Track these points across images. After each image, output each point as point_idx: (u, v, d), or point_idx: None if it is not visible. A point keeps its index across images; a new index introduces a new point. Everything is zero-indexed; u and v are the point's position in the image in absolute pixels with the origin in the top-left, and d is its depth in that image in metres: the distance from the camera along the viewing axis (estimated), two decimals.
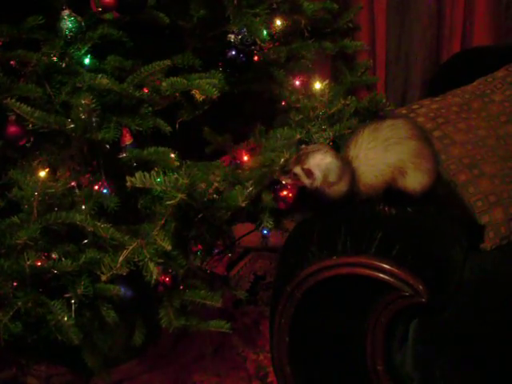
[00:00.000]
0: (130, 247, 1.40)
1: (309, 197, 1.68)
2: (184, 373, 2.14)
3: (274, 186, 1.68)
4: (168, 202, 1.41)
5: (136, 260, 1.40)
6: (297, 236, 1.63)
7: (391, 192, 1.64)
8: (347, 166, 1.62)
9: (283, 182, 1.65)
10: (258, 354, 2.23)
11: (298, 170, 1.60)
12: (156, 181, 1.39)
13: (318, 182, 1.60)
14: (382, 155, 1.62)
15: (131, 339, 1.70)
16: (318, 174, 1.59)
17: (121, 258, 1.39)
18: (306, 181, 1.60)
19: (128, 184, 1.39)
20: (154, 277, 1.39)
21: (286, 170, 1.63)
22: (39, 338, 1.46)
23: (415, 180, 1.63)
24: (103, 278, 1.39)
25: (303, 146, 1.66)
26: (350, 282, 1.48)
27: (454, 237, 1.68)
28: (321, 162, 1.59)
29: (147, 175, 1.39)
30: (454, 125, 1.92)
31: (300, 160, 1.60)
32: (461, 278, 1.58)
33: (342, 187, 1.61)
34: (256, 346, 2.26)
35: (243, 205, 1.53)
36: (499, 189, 1.83)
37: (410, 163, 1.62)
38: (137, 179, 1.39)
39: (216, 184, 1.51)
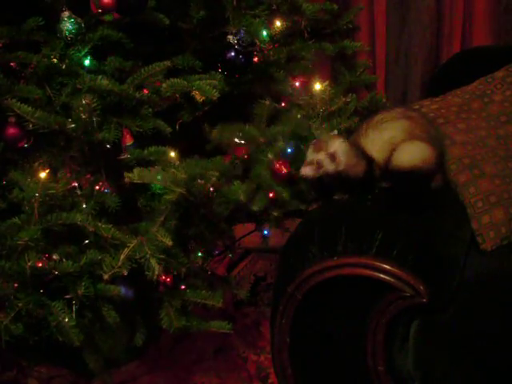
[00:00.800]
0: (131, 245, 1.41)
1: (330, 185, 1.70)
2: (185, 374, 2.13)
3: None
4: (167, 197, 1.42)
5: (137, 257, 1.40)
6: (297, 236, 1.63)
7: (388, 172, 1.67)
8: (359, 149, 1.67)
9: (309, 174, 1.65)
10: (259, 355, 2.22)
11: (322, 156, 1.63)
12: (154, 176, 1.40)
13: (342, 165, 1.64)
14: (379, 133, 1.67)
15: (132, 340, 1.70)
16: (341, 156, 1.63)
17: (122, 256, 1.39)
18: (331, 166, 1.63)
19: (126, 180, 1.40)
20: (156, 273, 1.39)
21: (308, 162, 1.65)
22: (40, 339, 1.46)
23: (404, 156, 1.64)
24: (105, 276, 1.39)
25: (314, 140, 1.70)
26: (350, 283, 1.48)
27: (455, 237, 1.68)
28: (341, 146, 1.65)
29: (146, 170, 1.40)
30: (454, 125, 1.92)
31: (321, 147, 1.64)
32: (461, 279, 1.58)
33: (362, 166, 1.66)
34: (257, 347, 2.26)
35: (243, 199, 1.54)
36: (500, 189, 1.83)
37: (400, 139, 1.65)
38: (135, 175, 1.39)
39: (214, 179, 1.51)
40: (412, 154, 1.64)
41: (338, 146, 1.64)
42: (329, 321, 1.52)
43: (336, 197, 1.71)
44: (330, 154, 1.63)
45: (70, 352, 1.57)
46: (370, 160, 1.67)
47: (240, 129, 1.67)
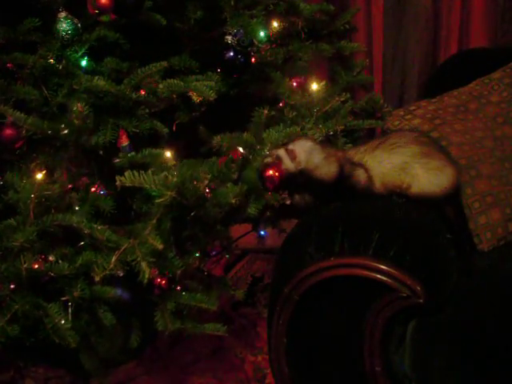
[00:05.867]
0: (123, 247, 1.40)
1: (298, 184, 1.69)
2: (182, 375, 2.13)
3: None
4: (158, 201, 1.41)
5: (129, 260, 1.40)
6: (294, 237, 1.63)
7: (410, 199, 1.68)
8: (334, 154, 1.67)
9: (264, 161, 1.64)
10: (256, 356, 2.22)
11: (281, 152, 1.63)
12: (146, 179, 1.40)
13: (302, 164, 1.63)
14: (388, 156, 1.67)
15: (128, 341, 1.70)
16: (301, 154, 1.63)
17: (113, 258, 1.39)
18: (290, 164, 1.62)
19: (117, 183, 1.40)
20: (147, 276, 1.39)
21: (269, 154, 1.65)
22: (37, 340, 1.45)
23: (429, 181, 1.66)
24: (96, 278, 1.39)
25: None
26: (347, 283, 1.48)
27: (452, 238, 1.68)
28: (303, 145, 1.64)
29: (137, 174, 1.40)
30: (451, 126, 1.93)
31: (284, 144, 1.65)
32: (458, 279, 1.58)
33: (330, 169, 1.65)
34: (254, 348, 2.26)
35: (234, 201, 1.53)
36: (496, 190, 1.84)
37: (416, 164, 1.65)
38: (126, 178, 1.39)
39: (206, 181, 1.51)
40: (435, 183, 1.66)
41: (300, 144, 1.64)
42: (326, 321, 1.52)
43: (296, 199, 1.70)
44: (289, 150, 1.62)
45: (66, 353, 1.57)
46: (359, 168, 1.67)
47: (239, 138, 1.67)
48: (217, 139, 1.67)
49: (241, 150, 1.66)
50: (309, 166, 1.64)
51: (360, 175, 1.67)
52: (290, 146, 1.63)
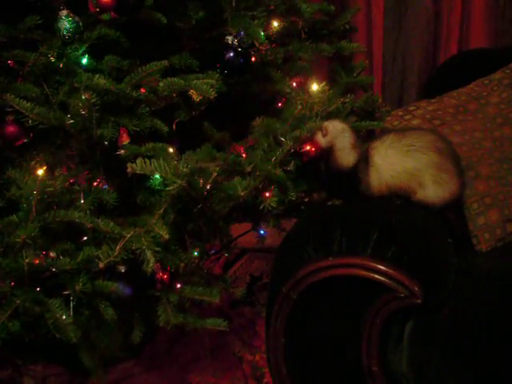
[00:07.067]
0: (128, 235, 1.41)
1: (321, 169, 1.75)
2: (180, 373, 2.13)
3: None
4: (168, 188, 1.42)
5: (133, 248, 1.40)
6: (293, 236, 1.63)
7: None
8: (360, 148, 1.71)
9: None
10: (254, 355, 2.23)
11: (318, 133, 1.69)
12: (156, 167, 1.41)
13: (331, 143, 1.68)
14: (401, 158, 1.68)
15: (128, 339, 1.70)
16: (332, 132, 1.68)
17: (118, 246, 1.39)
18: (322, 140, 1.68)
19: (129, 170, 1.40)
20: (151, 265, 1.39)
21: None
22: (36, 337, 1.45)
23: (434, 193, 1.68)
24: (100, 264, 1.39)
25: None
26: (345, 283, 1.48)
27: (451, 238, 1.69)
28: (337, 124, 1.70)
29: (148, 161, 1.40)
30: (451, 127, 1.93)
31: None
32: (456, 280, 1.58)
33: (350, 158, 1.69)
34: (252, 347, 2.26)
35: (243, 194, 1.54)
36: (495, 191, 1.84)
37: (427, 174, 1.67)
38: (137, 165, 1.40)
39: (215, 174, 1.51)
40: (438, 196, 1.68)
41: (333, 123, 1.69)
42: (324, 321, 1.52)
43: (314, 198, 1.75)
44: (323, 125, 1.68)
45: (65, 350, 1.57)
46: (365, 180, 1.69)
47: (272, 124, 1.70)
48: (257, 121, 1.70)
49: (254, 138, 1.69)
50: (336, 145, 1.69)
51: (372, 188, 1.70)
52: (325, 123, 1.68)
